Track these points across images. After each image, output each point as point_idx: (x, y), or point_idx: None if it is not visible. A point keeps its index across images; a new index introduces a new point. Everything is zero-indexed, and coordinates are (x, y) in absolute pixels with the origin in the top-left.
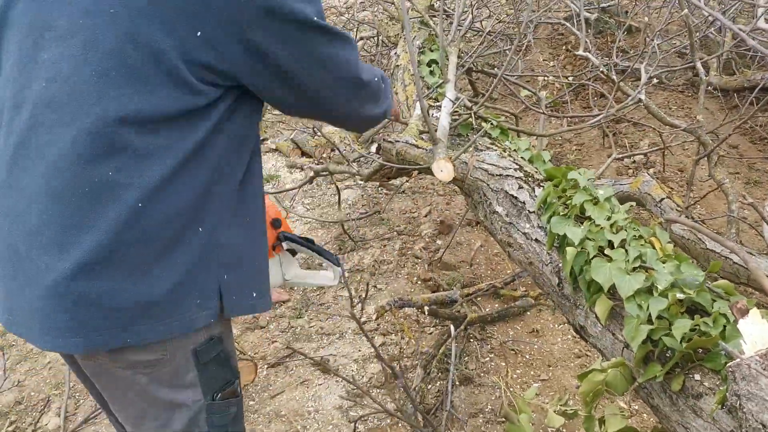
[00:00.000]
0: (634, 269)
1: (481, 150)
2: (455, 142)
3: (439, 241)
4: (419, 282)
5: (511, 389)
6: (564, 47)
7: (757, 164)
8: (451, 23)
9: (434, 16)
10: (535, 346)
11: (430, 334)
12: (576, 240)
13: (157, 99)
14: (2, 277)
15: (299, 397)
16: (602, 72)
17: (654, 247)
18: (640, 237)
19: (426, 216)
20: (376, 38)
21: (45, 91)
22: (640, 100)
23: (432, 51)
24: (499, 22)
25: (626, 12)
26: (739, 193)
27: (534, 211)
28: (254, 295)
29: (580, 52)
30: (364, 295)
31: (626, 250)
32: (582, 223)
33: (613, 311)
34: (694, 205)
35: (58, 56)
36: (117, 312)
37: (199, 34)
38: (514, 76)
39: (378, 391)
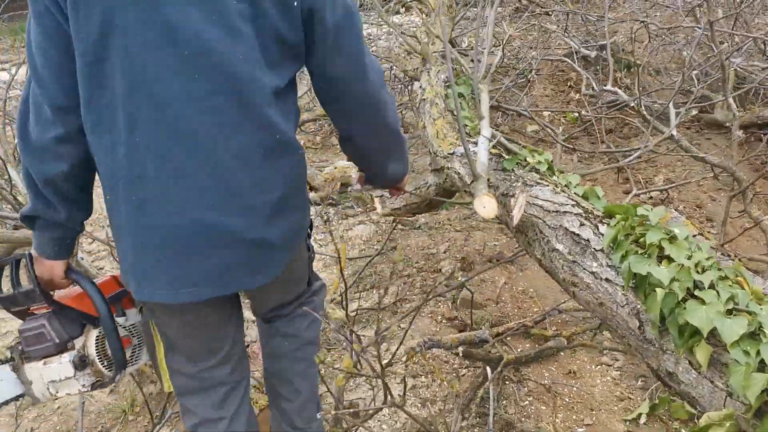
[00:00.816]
0: (729, 312)
1: (531, 185)
2: (500, 177)
3: (461, 278)
4: (443, 321)
5: None
6: (567, 84)
7: None
8: (479, 60)
9: (462, 53)
10: (574, 389)
11: (462, 375)
12: (665, 281)
13: (282, 74)
14: (179, 255)
15: None
16: (633, 108)
17: (743, 288)
18: (726, 278)
19: (445, 252)
20: (389, 71)
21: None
22: (672, 136)
23: (458, 84)
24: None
25: (623, 50)
26: None
27: (600, 249)
28: None
29: (608, 87)
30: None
31: (717, 292)
32: (661, 262)
33: (711, 358)
34: (729, 242)
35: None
36: (289, 242)
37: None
38: (528, 110)
39: None
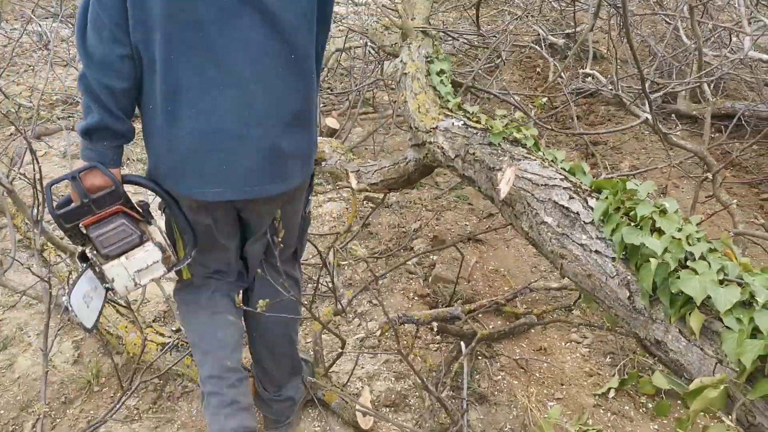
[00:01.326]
0: (721, 282)
1: (519, 159)
2: (486, 151)
3: (433, 256)
4: (416, 298)
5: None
6: (534, 70)
7: (734, 188)
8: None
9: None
10: (545, 365)
11: (435, 351)
12: (658, 251)
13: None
14: (217, 157)
15: (304, 416)
16: (611, 92)
17: (731, 260)
18: (716, 250)
19: (416, 231)
20: (363, 48)
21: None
22: (647, 120)
23: (440, 60)
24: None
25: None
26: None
27: (590, 222)
28: None
29: (587, 70)
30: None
31: (708, 263)
32: (652, 234)
33: (702, 326)
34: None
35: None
36: (300, 157)
37: None
38: (500, 92)
39: (387, 410)
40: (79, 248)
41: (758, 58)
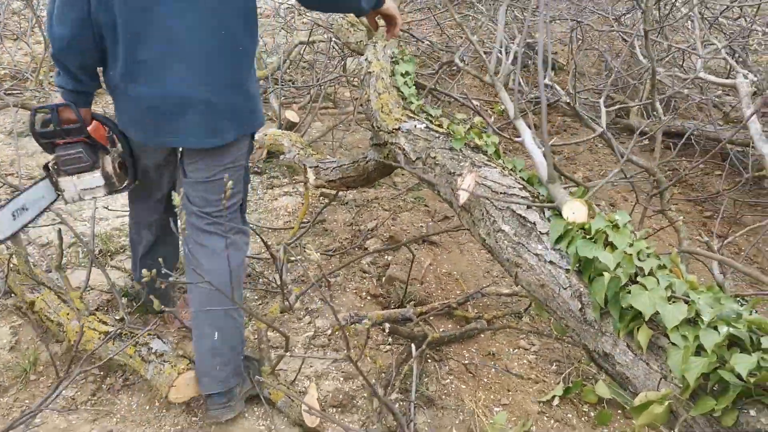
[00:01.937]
0: (668, 299)
1: (479, 166)
2: (447, 155)
3: (387, 257)
4: (368, 297)
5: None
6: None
7: (679, 204)
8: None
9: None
10: (493, 370)
11: (386, 352)
12: (611, 265)
13: None
14: (159, 115)
15: (249, 414)
16: (567, 104)
17: (678, 277)
18: (664, 266)
19: (372, 230)
20: (327, 43)
21: None
22: (603, 133)
23: (405, 62)
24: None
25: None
26: (692, 231)
27: (546, 233)
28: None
29: (546, 81)
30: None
31: (657, 279)
32: (605, 248)
33: (649, 341)
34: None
35: None
36: (234, 117)
37: None
38: (462, 97)
39: (334, 410)
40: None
41: (708, 80)
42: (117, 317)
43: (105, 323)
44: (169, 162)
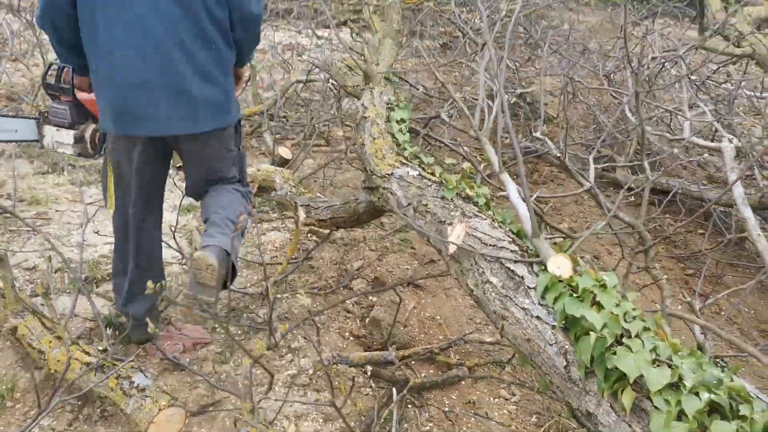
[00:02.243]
0: (653, 362)
1: (470, 216)
2: (438, 204)
3: (372, 297)
4: (351, 338)
5: None
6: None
7: (663, 261)
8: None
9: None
10: (472, 419)
11: (366, 395)
12: (598, 325)
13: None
14: (141, 100)
15: None
16: (557, 158)
17: (663, 340)
18: (649, 329)
19: (358, 270)
20: (324, 83)
21: None
22: (591, 188)
23: (400, 108)
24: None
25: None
26: (675, 288)
27: (533, 287)
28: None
29: (538, 134)
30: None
31: (642, 342)
32: (592, 308)
33: (632, 403)
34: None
35: None
36: (210, 107)
37: None
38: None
39: None
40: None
41: (696, 143)
42: (100, 347)
43: (87, 353)
44: (145, 157)
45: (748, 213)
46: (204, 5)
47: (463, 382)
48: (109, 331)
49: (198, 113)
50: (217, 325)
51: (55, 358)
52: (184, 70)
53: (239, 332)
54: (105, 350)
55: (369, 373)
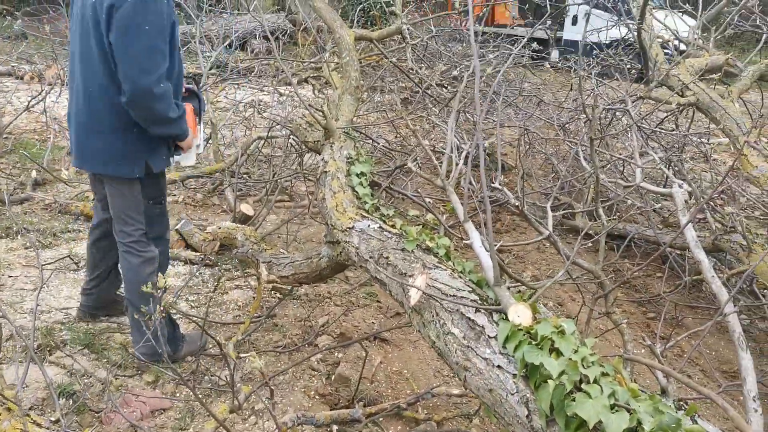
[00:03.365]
0: (611, 407)
1: (431, 268)
2: (399, 256)
3: (338, 354)
4: (317, 396)
5: None
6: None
7: (624, 305)
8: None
9: (364, 134)
10: None
11: None
12: (555, 373)
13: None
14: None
15: None
16: (516, 207)
17: (621, 385)
18: (607, 374)
19: (323, 326)
20: (285, 139)
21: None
22: (550, 235)
23: (361, 162)
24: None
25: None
26: (636, 331)
27: (494, 337)
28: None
29: (496, 185)
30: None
31: (601, 387)
32: (551, 355)
33: None
34: None
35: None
36: (105, 152)
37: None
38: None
39: None
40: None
41: (648, 189)
42: (52, 418)
43: (39, 425)
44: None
45: (701, 255)
46: (106, 59)
47: None
48: (61, 401)
49: (91, 154)
50: (176, 390)
51: (4, 430)
52: (86, 117)
53: (201, 395)
54: (57, 421)
55: None
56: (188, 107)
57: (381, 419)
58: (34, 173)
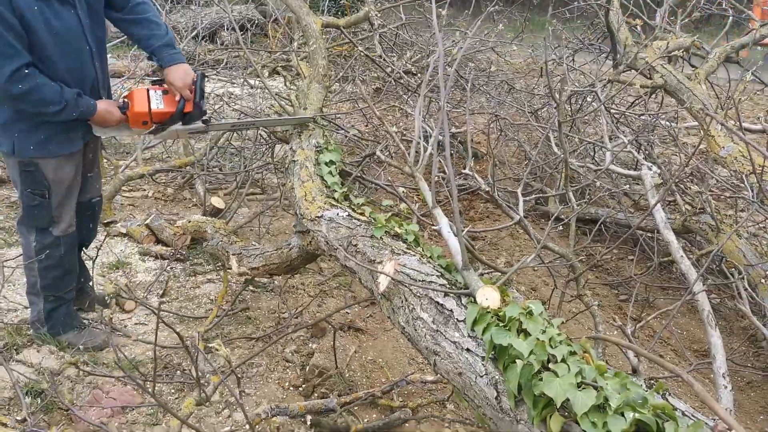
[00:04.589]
0: (578, 385)
1: (399, 254)
2: (368, 243)
3: (312, 345)
4: (291, 388)
5: None
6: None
7: (596, 288)
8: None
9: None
10: None
11: None
12: (525, 353)
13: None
14: None
15: None
16: (487, 192)
17: (588, 363)
18: (575, 353)
19: (297, 317)
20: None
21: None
22: (520, 221)
23: (329, 151)
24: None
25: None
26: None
27: (463, 320)
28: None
29: (466, 171)
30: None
31: (568, 366)
32: (519, 335)
33: (562, 428)
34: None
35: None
36: None
37: None
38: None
39: None
40: None
41: (617, 172)
42: (18, 417)
43: (5, 425)
44: None
45: (670, 236)
46: None
47: (407, 425)
48: (28, 400)
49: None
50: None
51: None
52: None
53: (172, 391)
54: (24, 420)
55: (309, 423)
56: (139, 93)
57: (356, 408)
58: None
